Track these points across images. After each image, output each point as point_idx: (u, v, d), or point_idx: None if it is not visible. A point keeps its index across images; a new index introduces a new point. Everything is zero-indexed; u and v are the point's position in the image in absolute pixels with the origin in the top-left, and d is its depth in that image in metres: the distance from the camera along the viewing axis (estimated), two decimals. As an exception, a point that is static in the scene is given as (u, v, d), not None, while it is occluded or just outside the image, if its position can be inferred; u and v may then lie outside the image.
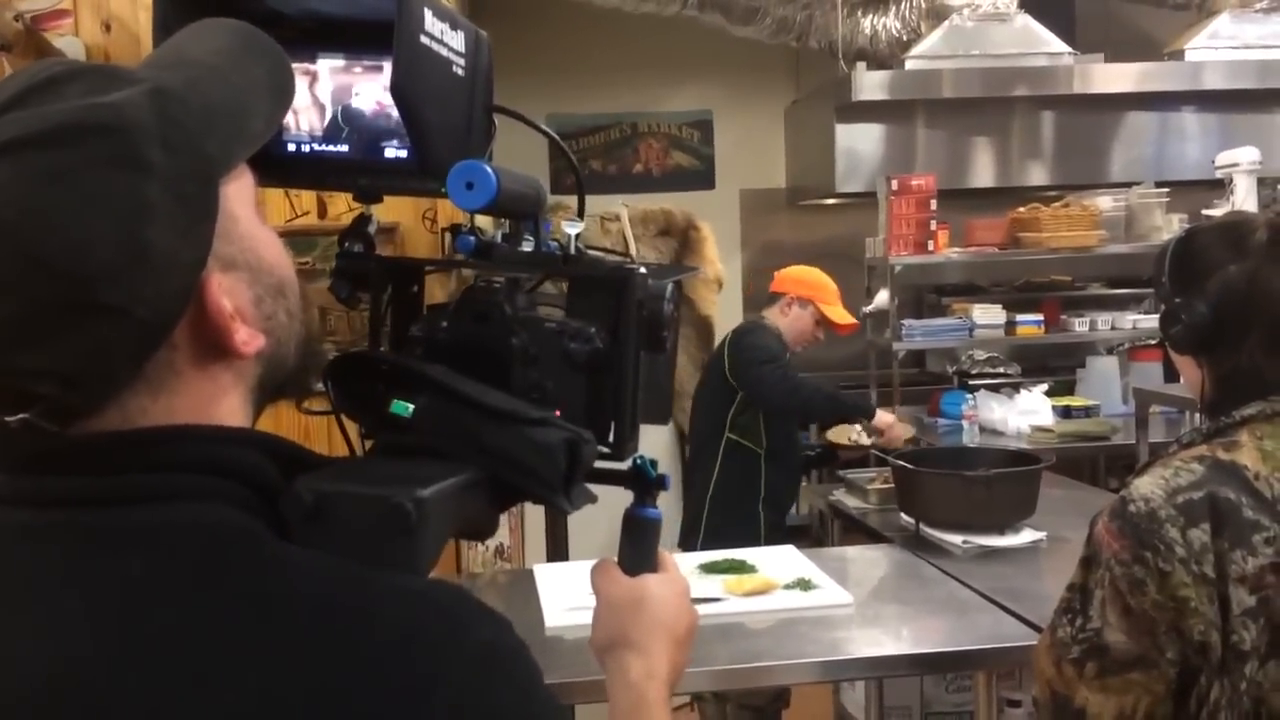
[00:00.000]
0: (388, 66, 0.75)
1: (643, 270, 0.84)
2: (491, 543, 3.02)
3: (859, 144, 5.40)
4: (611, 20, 5.60)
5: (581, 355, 0.81)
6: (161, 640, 0.60)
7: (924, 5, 5.46)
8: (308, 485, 0.67)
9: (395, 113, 0.77)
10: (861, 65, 5.22)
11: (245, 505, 0.66)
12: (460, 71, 0.80)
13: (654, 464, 0.90)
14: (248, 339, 0.68)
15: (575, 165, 0.90)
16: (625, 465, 0.87)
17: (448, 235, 0.85)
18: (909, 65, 5.27)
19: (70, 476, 0.65)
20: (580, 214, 0.88)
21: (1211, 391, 1.42)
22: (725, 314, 5.11)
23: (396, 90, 0.73)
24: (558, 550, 3.21)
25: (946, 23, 5.29)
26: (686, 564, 2.45)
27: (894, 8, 5.55)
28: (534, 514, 3.41)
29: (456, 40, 0.79)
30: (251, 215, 0.71)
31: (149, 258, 0.62)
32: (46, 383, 0.62)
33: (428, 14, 0.74)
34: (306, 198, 2.63)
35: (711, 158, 6.53)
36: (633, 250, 4.04)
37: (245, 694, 0.59)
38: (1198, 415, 1.50)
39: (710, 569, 2.40)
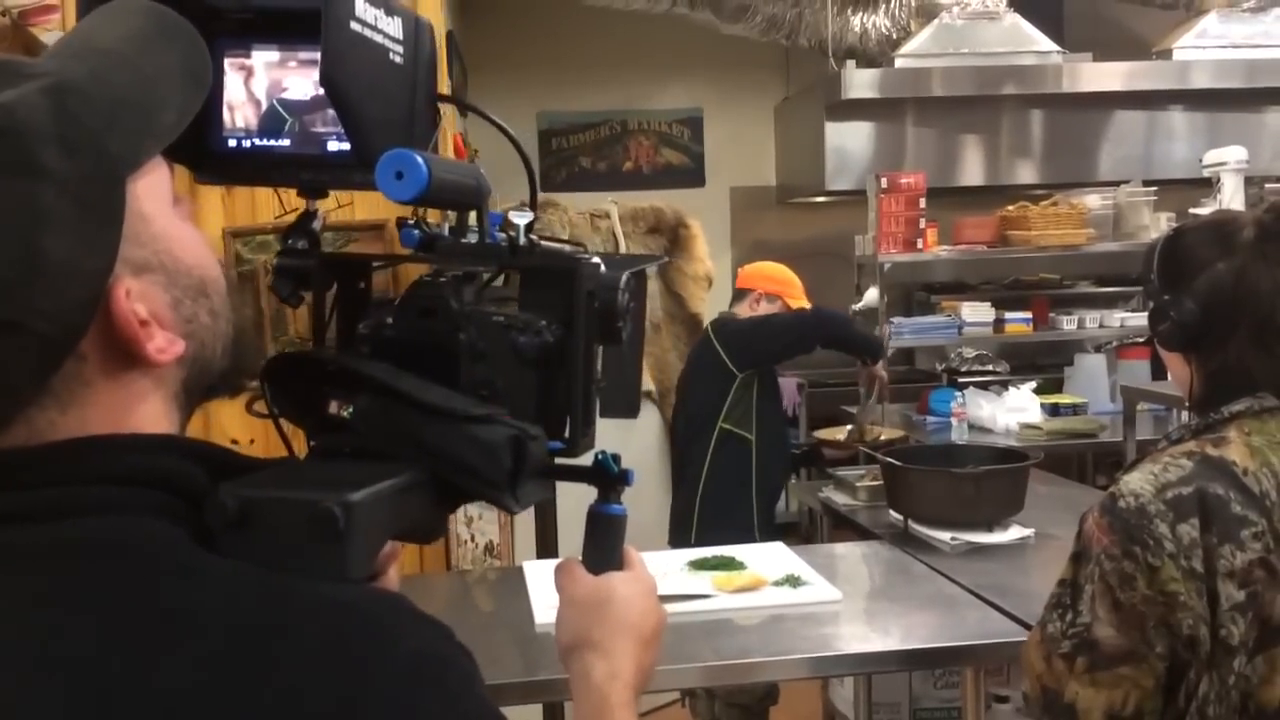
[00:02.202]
0: (310, 58, 0.73)
1: (594, 260, 0.82)
2: (481, 539, 3.02)
3: (848, 142, 5.41)
4: (602, 17, 5.60)
5: (530, 349, 0.78)
6: (73, 663, 0.57)
7: (913, 3, 5.48)
8: (231, 491, 0.64)
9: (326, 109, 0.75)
10: (851, 63, 5.24)
11: (168, 513, 0.63)
12: (398, 59, 0.76)
13: (616, 459, 0.87)
14: (164, 345, 0.65)
15: (525, 155, 0.88)
16: (587, 461, 0.84)
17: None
18: (898, 63, 5.28)
19: None
20: (532, 205, 0.85)
21: (1200, 388, 1.43)
22: (715, 311, 5.11)
23: (326, 80, 0.70)
24: (547, 547, 3.20)
25: (936, 21, 5.31)
26: (675, 561, 2.45)
27: (884, 6, 5.56)
28: (525, 511, 3.40)
29: (393, 26, 0.75)
30: (167, 213, 0.68)
31: (44, 269, 0.58)
32: None
33: (358, 0, 0.72)
34: (294, 193, 2.62)
35: (701, 155, 6.53)
36: (622, 247, 4.03)
37: (162, 717, 0.56)
38: (1184, 412, 1.50)
39: (699, 566, 2.40)
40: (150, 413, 0.67)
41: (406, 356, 0.76)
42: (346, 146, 0.76)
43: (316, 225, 0.83)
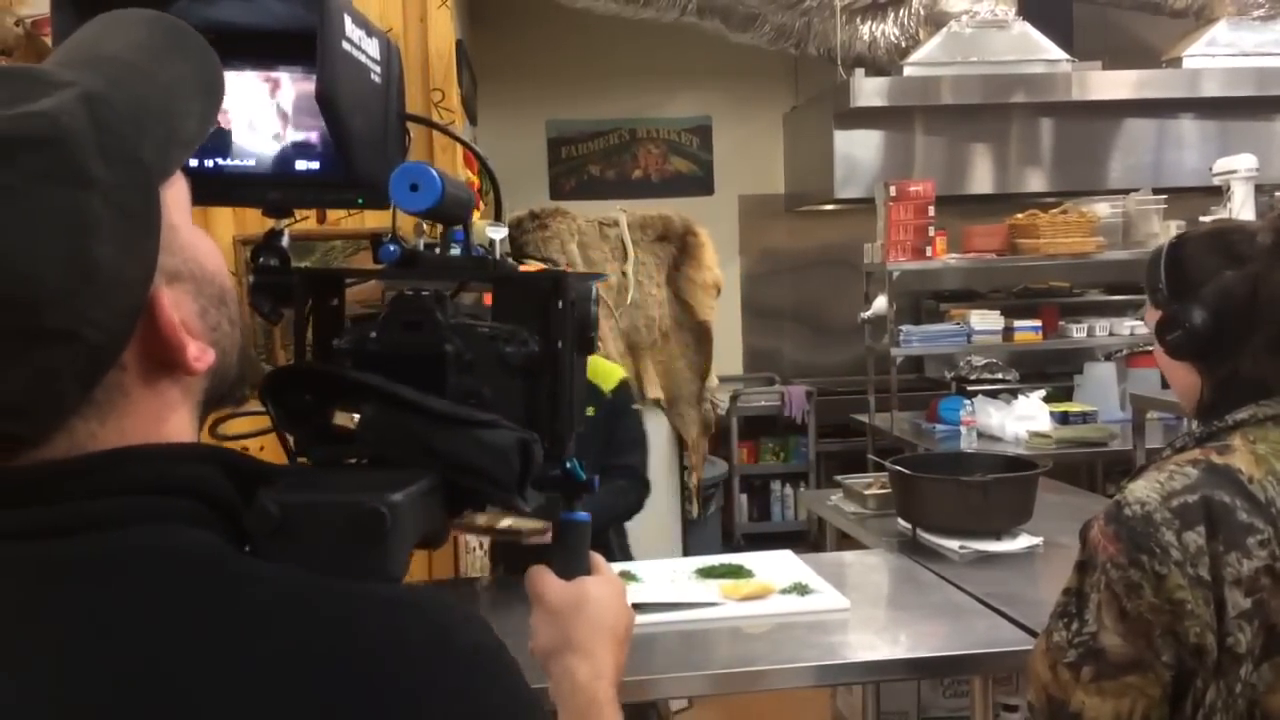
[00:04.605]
0: (287, 78, 0.73)
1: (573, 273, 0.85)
2: (488, 545, 3.02)
3: (857, 150, 5.41)
4: (611, 26, 5.62)
5: (517, 358, 0.80)
6: (133, 673, 0.57)
7: (922, 12, 5.48)
8: (272, 497, 0.65)
9: (304, 125, 0.76)
10: (860, 72, 5.24)
11: (204, 522, 0.63)
12: (377, 79, 0.78)
13: (582, 465, 0.89)
14: (198, 354, 0.65)
15: (492, 174, 0.90)
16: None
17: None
18: (907, 72, 5.28)
19: (16, 509, 0.61)
20: (498, 217, 0.87)
21: (1210, 396, 1.43)
22: (721, 320, 5.12)
23: (323, 98, 0.71)
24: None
25: (945, 30, 5.31)
26: (683, 568, 2.45)
27: (893, 14, 5.56)
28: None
29: (373, 47, 0.78)
30: (189, 223, 0.68)
31: (97, 277, 0.58)
32: None
33: (347, 20, 0.73)
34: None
35: (710, 163, 6.54)
36: (631, 255, 4.04)
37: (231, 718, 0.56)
38: (1187, 421, 1.50)
39: (707, 573, 2.40)
40: (180, 423, 0.67)
41: (391, 369, 0.77)
42: (315, 166, 0.78)
43: (284, 242, 0.84)
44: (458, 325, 0.81)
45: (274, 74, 0.79)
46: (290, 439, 0.79)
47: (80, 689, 0.57)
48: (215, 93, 0.68)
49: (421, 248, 0.82)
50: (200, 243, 0.68)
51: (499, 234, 0.84)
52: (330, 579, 0.62)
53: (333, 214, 2.86)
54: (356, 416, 0.75)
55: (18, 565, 0.60)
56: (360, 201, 0.80)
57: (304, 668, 0.57)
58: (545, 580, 0.89)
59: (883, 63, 5.55)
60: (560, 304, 0.82)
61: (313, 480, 0.72)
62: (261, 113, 0.79)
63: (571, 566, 0.90)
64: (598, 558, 0.93)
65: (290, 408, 0.77)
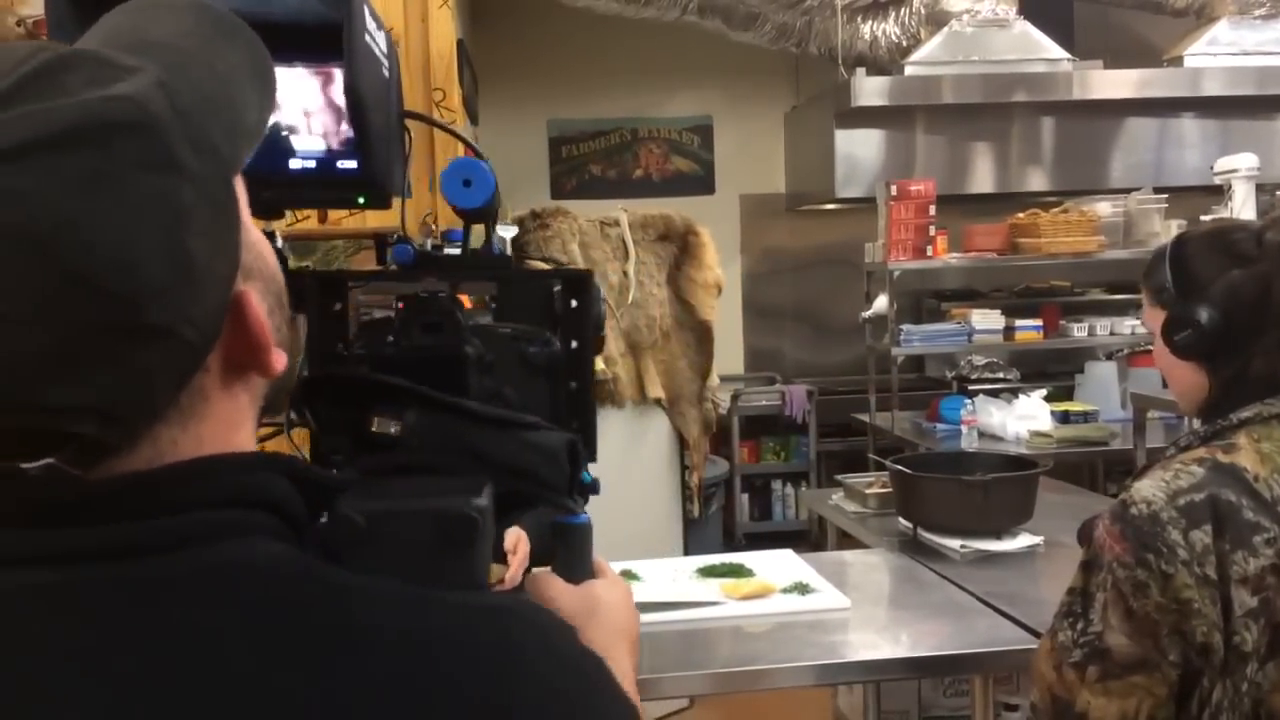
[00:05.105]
0: (286, 73, 0.72)
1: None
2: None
3: (858, 149, 5.41)
4: (612, 25, 5.62)
5: (541, 358, 0.79)
6: (242, 695, 0.54)
7: (924, 11, 5.47)
8: (354, 506, 0.63)
9: (299, 122, 0.74)
10: (861, 71, 5.24)
11: (282, 536, 0.60)
12: (386, 74, 0.77)
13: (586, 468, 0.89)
14: (277, 355, 0.62)
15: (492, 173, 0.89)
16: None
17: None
18: (908, 71, 5.28)
19: (99, 526, 0.56)
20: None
21: (1216, 395, 1.42)
22: (722, 320, 5.12)
23: (351, 91, 0.70)
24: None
25: (946, 29, 5.31)
26: (684, 567, 2.45)
27: (894, 14, 5.56)
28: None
29: (382, 41, 0.77)
30: (250, 219, 0.65)
31: (193, 271, 0.55)
32: (84, 420, 0.54)
33: (366, 12, 0.72)
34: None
35: (711, 163, 6.54)
36: (631, 254, 4.03)
37: None
38: (1197, 420, 1.49)
39: (708, 572, 2.40)
40: (248, 430, 0.64)
41: (411, 373, 0.76)
42: (310, 165, 0.76)
43: (279, 244, 0.83)
44: (478, 326, 0.79)
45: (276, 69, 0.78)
46: (303, 448, 0.77)
47: (197, 711, 0.54)
48: (270, 82, 0.64)
49: (429, 248, 0.81)
50: (261, 240, 0.65)
51: (510, 233, 0.83)
52: (431, 590, 0.59)
53: (334, 214, 2.86)
54: (395, 423, 0.72)
55: (105, 589, 0.56)
56: (362, 201, 0.78)
57: (410, 680, 0.55)
58: (554, 586, 0.86)
59: (884, 62, 5.55)
60: (580, 303, 0.81)
61: (379, 489, 0.69)
62: None
63: (579, 570, 0.88)
64: (600, 560, 0.91)
65: (325, 416, 0.75)
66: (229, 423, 0.62)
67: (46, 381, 0.53)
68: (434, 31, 2.99)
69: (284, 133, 0.79)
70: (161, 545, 0.57)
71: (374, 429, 0.73)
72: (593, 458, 0.83)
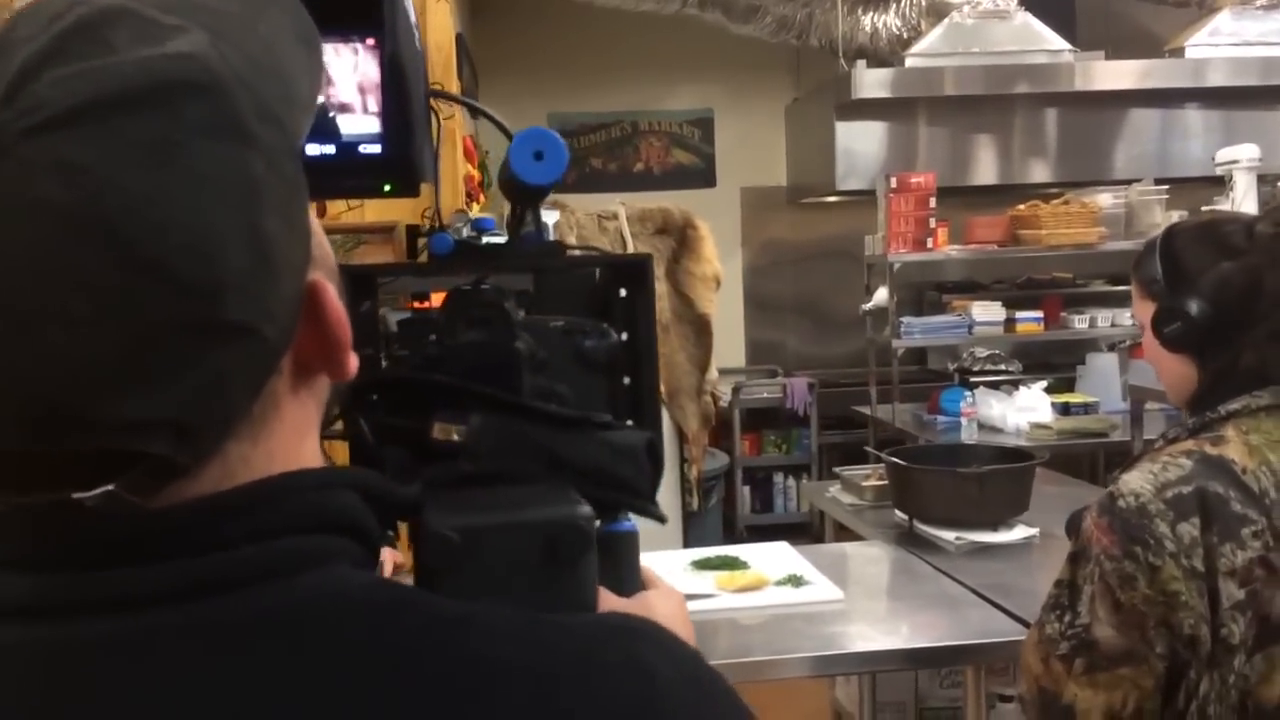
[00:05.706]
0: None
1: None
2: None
3: (859, 142, 5.40)
4: (612, 18, 5.61)
5: (599, 352, 0.73)
6: None
7: (924, 3, 5.46)
8: (447, 523, 0.56)
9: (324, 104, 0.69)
10: (862, 63, 5.22)
11: (361, 562, 0.53)
12: (418, 45, 0.73)
13: None
14: (353, 354, 0.55)
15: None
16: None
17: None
18: (909, 63, 5.27)
19: (161, 563, 0.48)
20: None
21: (1206, 387, 1.42)
22: (723, 312, 5.12)
23: (394, 60, 0.65)
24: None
25: (946, 20, 5.29)
26: (678, 561, 2.45)
27: (894, 5, 5.55)
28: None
29: (412, 10, 0.73)
30: None
31: (271, 257, 0.47)
32: (159, 438, 0.46)
33: None
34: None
35: (712, 156, 6.53)
36: (630, 248, 4.03)
37: None
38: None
39: (702, 565, 2.40)
40: (314, 442, 0.56)
41: (460, 374, 0.69)
42: (329, 150, 0.71)
43: None
44: (527, 320, 0.73)
45: None
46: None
47: None
48: (317, 49, 0.55)
49: (463, 235, 0.75)
50: (317, 224, 0.55)
51: (554, 217, 0.78)
52: (546, 615, 0.52)
53: (333, 207, 2.85)
54: (458, 429, 0.66)
55: (176, 634, 0.48)
56: (387, 189, 0.72)
57: (551, 711, 0.49)
58: (607, 601, 0.77)
59: (884, 54, 5.54)
60: (639, 291, 0.74)
61: (461, 503, 0.61)
62: None
63: (629, 581, 0.80)
64: (649, 569, 0.84)
65: (381, 423, 0.68)
66: (296, 434, 0.53)
67: (119, 394, 0.44)
68: (432, 25, 2.99)
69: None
70: (239, 579, 0.48)
71: (435, 435, 0.66)
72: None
